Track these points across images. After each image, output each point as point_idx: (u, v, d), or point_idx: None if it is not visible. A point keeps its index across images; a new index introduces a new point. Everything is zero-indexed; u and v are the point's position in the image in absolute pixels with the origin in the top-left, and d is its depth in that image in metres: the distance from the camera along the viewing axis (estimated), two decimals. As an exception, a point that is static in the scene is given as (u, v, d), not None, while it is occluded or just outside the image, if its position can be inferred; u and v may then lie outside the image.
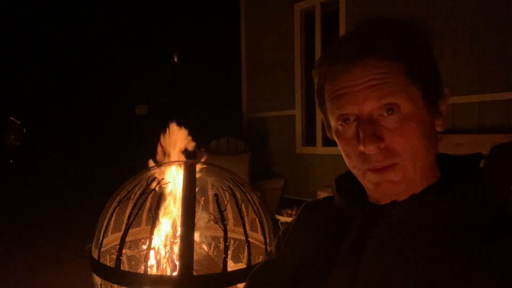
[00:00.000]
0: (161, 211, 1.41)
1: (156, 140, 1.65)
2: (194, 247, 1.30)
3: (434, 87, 0.62)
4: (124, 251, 1.35)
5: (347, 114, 0.61)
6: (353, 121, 0.61)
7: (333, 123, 0.65)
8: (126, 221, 1.38)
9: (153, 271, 1.42)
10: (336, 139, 0.66)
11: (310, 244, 0.71)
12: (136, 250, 1.46)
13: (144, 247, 1.42)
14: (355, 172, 0.65)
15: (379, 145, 0.58)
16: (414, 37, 0.62)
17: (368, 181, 0.63)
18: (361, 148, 0.59)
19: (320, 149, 4.67)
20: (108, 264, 1.40)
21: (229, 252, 1.40)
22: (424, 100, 0.60)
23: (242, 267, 1.40)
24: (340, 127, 0.63)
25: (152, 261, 1.42)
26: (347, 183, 0.72)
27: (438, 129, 0.63)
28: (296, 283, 0.69)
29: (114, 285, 1.37)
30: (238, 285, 1.33)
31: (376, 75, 0.58)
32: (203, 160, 1.67)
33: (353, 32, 0.64)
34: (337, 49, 0.63)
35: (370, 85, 0.58)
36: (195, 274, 1.28)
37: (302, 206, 0.82)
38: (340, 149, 0.65)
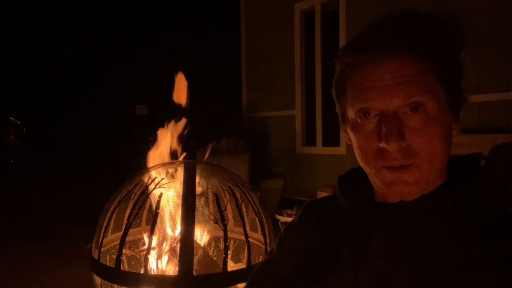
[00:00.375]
0: (161, 211, 1.41)
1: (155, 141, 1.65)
2: (194, 247, 1.30)
3: (458, 90, 0.61)
4: (124, 251, 1.35)
5: (370, 108, 0.59)
6: (375, 116, 0.59)
7: (351, 115, 0.63)
8: (126, 221, 1.38)
9: (153, 271, 1.41)
10: (351, 133, 0.64)
11: (311, 243, 0.71)
12: (136, 250, 1.46)
13: (144, 247, 1.42)
14: (367, 168, 0.63)
15: (401, 142, 0.56)
16: (447, 36, 0.60)
17: (381, 179, 0.61)
18: (382, 144, 0.57)
19: (320, 149, 4.67)
20: (108, 264, 1.40)
21: (229, 252, 1.40)
22: (448, 103, 0.59)
23: (242, 267, 1.40)
24: (359, 120, 0.61)
25: (152, 261, 1.42)
26: (350, 182, 0.71)
27: (455, 133, 0.62)
28: (297, 282, 0.69)
29: (114, 285, 1.37)
30: (238, 285, 1.33)
31: (406, 71, 0.56)
32: (206, 157, 1.67)
33: (385, 22, 0.61)
34: (366, 38, 0.61)
35: (399, 82, 0.56)
36: (195, 274, 1.27)
37: (304, 205, 0.82)
38: (354, 143, 0.63)
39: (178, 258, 1.29)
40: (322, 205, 0.79)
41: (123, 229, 1.37)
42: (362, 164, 0.64)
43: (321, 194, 3.34)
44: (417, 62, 0.57)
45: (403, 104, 0.57)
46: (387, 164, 0.59)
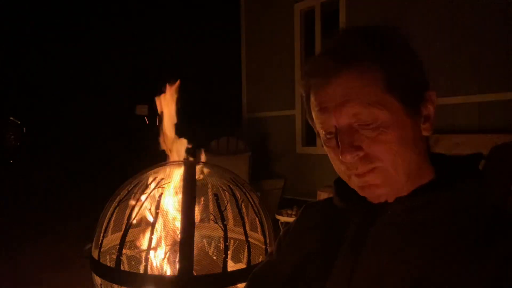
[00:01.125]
0: (161, 211, 1.41)
1: (156, 140, 1.65)
2: (194, 247, 1.30)
3: (415, 93, 0.62)
4: (124, 251, 1.35)
5: (328, 127, 0.63)
6: (335, 132, 0.63)
7: (320, 132, 0.67)
8: (126, 221, 1.38)
9: (153, 271, 1.42)
10: (325, 148, 0.68)
11: (310, 245, 0.72)
12: (136, 250, 1.46)
13: (144, 247, 1.42)
14: (342, 177, 0.67)
15: (357, 154, 0.60)
16: (390, 44, 0.61)
17: (353, 184, 0.65)
18: (340, 158, 0.61)
19: (320, 149, 4.67)
20: (108, 264, 1.40)
21: (229, 252, 1.40)
22: (404, 107, 0.60)
23: (242, 267, 1.40)
24: (326, 137, 0.65)
25: (152, 261, 1.42)
26: (346, 184, 0.72)
27: (425, 133, 0.63)
28: (296, 283, 0.70)
29: (114, 285, 1.37)
30: (238, 285, 1.33)
31: (350, 89, 0.59)
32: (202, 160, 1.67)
33: (329, 46, 0.65)
34: (315, 63, 0.65)
35: (344, 100, 0.60)
36: (195, 274, 1.28)
37: (303, 208, 0.83)
38: (328, 156, 0.68)
39: (178, 258, 1.29)
40: (320, 208, 0.80)
41: (123, 229, 1.37)
42: (339, 174, 0.68)
43: (321, 194, 3.33)
44: (361, 77, 0.59)
45: (352, 119, 0.60)
46: (351, 173, 0.63)
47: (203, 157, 1.69)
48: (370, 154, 0.60)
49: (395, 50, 0.61)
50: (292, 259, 0.73)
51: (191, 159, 1.66)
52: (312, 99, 0.65)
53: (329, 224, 0.72)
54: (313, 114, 0.66)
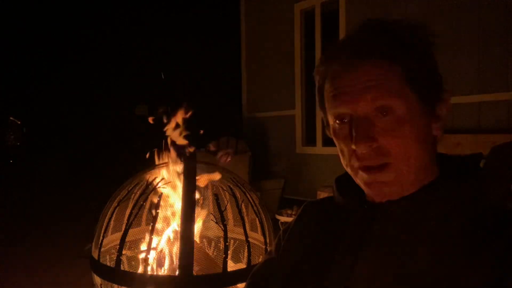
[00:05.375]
0: (161, 211, 1.41)
1: (155, 141, 1.64)
2: (194, 247, 1.30)
3: (432, 91, 0.62)
4: (124, 251, 1.35)
5: (343, 114, 0.62)
6: (348, 121, 0.62)
7: (331, 121, 0.66)
8: (126, 221, 1.38)
9: (153, 271, 1.42)
10: (333, 138, 0.67)
11: (309, 243, 0.72)
12: (136, 251, 1.46)
13: (144, 247, 1.42)
14: (348, 170, 0.66)
15: (371, 144, 0.59)
16: (413, 40, 0.62)
17: (360, 180, 0.64)
18: (353, 146, 0.60)
19: (320, 149, 4.67)
20: (108, 264, 1.40)
21: (229, 252, 1.40)
22: (421, 104, 0.61)
23: (242, 267, 1.40)
24: (336, 126, 0.64)
25: (152, 261, 1.42)
26: (347, 182, 0.72)
27: (436, 133, 0.63)
28: (295, 281, 0.70)
29: (114, 285, 1.37)
30: (238, 285, 1.33)
31: (372, 76, 0.59)
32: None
33: (354, 34, 0.64)
34: (337, 49, 0.65)
35: (365, 87, 0.59)
36: (195, 274, 1.27)
37: (303, 206, 0.83)
38: (337, 147, 0.67)
39: (178, 258, 1.29)
40: (320, 206, 0.80)
41: (123, 229, 1.37)
42: (345, 167, 0.67)
43: (321, 194, 3.34)
44: (384, 66, 0.60)
45: (370, 108, 0.59)
46: (362, 164, 0.61)
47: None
48: (384, 147, 0.59)
49: (418, 46, 0.61)
50: (292, 257, 0.73)
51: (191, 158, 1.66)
52: (328, 85, 0.65)
53: (329, 222, 0.72)
54: (326, 102, 0.66)
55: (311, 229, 0.75)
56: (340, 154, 0.66)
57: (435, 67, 0.63)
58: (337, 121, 0.64)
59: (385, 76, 0.59)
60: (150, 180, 1.50)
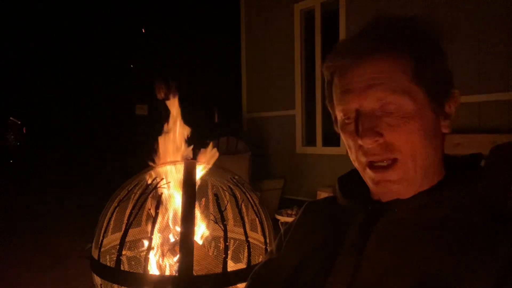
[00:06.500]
0: (161, 211, 1.41)
1: (155, 141, 1.64)
2: (194, 247, 1.30)
3: (441, 88, 0.62)
4: (124, 252, 1.35)
5: (351, 109, 0.62)
6: (356, 116, 0.62)
7: (339, 117, 0.66)
8: (126, 221, 1.38)
9: (153, 271, 1.41)
10: (341, 133, 0.67)
11: (311, 243, 0.72)
12: (136, 251, 1.46)
13: (144, 247, 1.42)
14: (356, 165, 0.66)
15: (377, 139, 0.59)
16: (423, 36, 0.62)
17: (368, 177, 0.64)
18: (359, 141, 0.60)
19: (320, 149, 4.67)
20: (108, 264, 1.40)
21: (229, 252, 1.40)
22: (429, 100, 0.60)
23: (242, 267, 1.40)
24: (345, 121, 0.64)
25: (152, 261, 1.42)
26: (349, 182, 0.72)
27: (444, 130, 0.63)
28: (297, 281, 0.69)
29: (114, 285, 1.37)
30: (238, 285, 1.33)
31: (379, 73, 0.59)
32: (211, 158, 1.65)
33: (363, 29, 0.64)
34: (346, 45, 0.65)
35: (372, 83, 0.59)
36: (195, 274, 1.27)
37: (304, 206, 0.83)
38: (345, 143, 0.67)
39: (178, 258, 1.29)
40: (321, 206, 0.79)
41: (123, 229, 1.37)
42: (353, 162, 0.67)
43: (321, 194, 3.33)
44: (392, 62, 0.60)
45: (376, 104, 0.60)
46: (369, 159, 0.61)
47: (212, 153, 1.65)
48: (390, 142, 0.59)
49: (428, 42, 0.61)
50: (293, 257, 0.73)
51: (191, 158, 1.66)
52: (336, 80, 0.65)
53: (331, 222, 0.71)
54: (335, 97, 0.66)
55: (312, 229, 0.75)
56: (348, 150, 0.66)
57: (445, 63, 0.63)
58: (345, 116, 0.64)
59: (392, 72, 0.59)
60: (150, 180, 1.50)
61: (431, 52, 0.61)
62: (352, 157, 0.66)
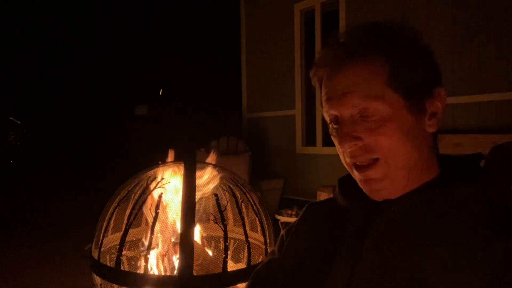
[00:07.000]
0: (161, 211, 1.41)
1: (155, 141, 1.64)
2: (194, 247, 1.30)
3: (421, 88, 0.62)
4: (124, 252, 1.35)
5: (333, 115, 0.66)
6: (337, 121, 0.65)
7: (327, 122, 0.70)
8: (126, 221, 1.38)
9: (153, 271, 1.42)
10: (332, 137, 0.70)
11: (312, 244, 0.72)
12: (136, 251, 1.46)
13: (144, 247, 1.42)
14: (345, 167, 0.69)
15: (356, 143, 0.62)
16: (398, 38, 0.62)
17: (355, 177, 0.66)
18: (339, 146, 0.65)
19: (320, 149, 4.67)
20: (108, 264, 1.40)
21: (229, 252, 1.40)
22: (406, 102, 0.61)
23: (242, 267, 1.40)
24: (332, 126, 0.68)
25: (152, 261, 1.42)
26: (349, 183, 0.72)
27: (429, 129, 0.63)
28: (297, 281, 0.70)
29: (114, 285, 1.37)
30: (238, 285, 1.33)
31: (354, 80, 0.62)
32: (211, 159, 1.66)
33: (339, 38, 0.67)
34: (325, 54, 0.68)
35: (347, 91, 0.62)
36: (195, 274, 1.27)
37: (305, 207, 0.84)
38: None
39: (178, 258, 1.29)
40: (322, 207, 0.80)
41: (123, 229, 1.37)
42: (344, 165, 0.69)
43: (321, 194, 3.33)
44: (365, 70, 0.61)
45: (353, 110, 0.62)
46: (352, 161, 0.65)
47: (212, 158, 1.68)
48: (370, 145, 0.61)
49: (402, 44, 0.62)
50: (294, 258, 0.74)
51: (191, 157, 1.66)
52: (322, 88, 0.68)
53: (331, 223, 0.72)
54: (322, 103, 0.69)
55: (313, 229, 0.75)
56: (338, 152, 0.69)
57: (423, 63, 0.63)
58: (330, 122, 0.67)
59: (366, 78, 0.61)
60: (150, 180, 1.50)
61: (407, 54, 0.62)
62: (341, 159, 0.69)
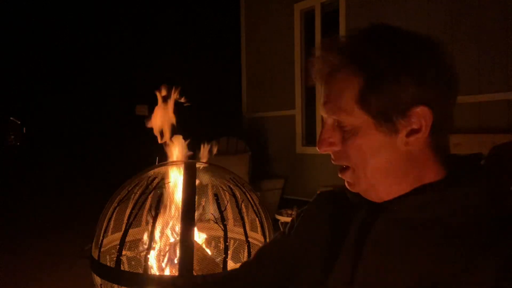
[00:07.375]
0: (161, 211, 1.41)
1: (156, 141, 1.64)
2: (194, 247, 1.30)
3: (392, 109, 0.59)
4: (124, 251, 1.35)
5: (324, 119, 0.70)
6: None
7: None
8: (126, 221, 1.38)
9: (153, 271, 1.41)
10: None
11: (318, 234, 0.75)
12: (136, 251, 1.46)
13: (144, 247, 1.42)
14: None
15: (329, 149, 0.67)
16: (375, 57, 0.59)
17: None
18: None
19: (320, 149, 4.67)
20: (108, 264, 1.40)
21: (229, 252, 1.40)
22: (374, 120, 0.60)
23: (242, 267, 1.40)
24: None
25: (152, 261, 1.42)
26: None
27: (410, 146, 0.60)
28: (299, 270, 0.73)
29: (114, 285, 1.37)
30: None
31: (332, 91, 0.65)
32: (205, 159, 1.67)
33: (323, 48, 0.68)
34: (311, 65, 0.70)
35: (326, 100, 0.66)
36: (195, 274, 1.27)
37: (316, 196, 0.85)
38: None
39: (178, 258, 1.29)
40: (333, 198, 0.80)
41: (123, 229, 1.37)
42: None
43: (321, 194, 3.33)
44: (342, 83, 0.63)
45: (332, 119, 0.66)
46: (334, 163, 0.69)
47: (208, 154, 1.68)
48: (343, 152, 0.65)
49: (379, 63, 0.59)
50: (299, 244, 0.78)
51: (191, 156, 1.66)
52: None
53: (339, 215, 0.73)
54: None
55: (321, 220, 0.77)
56: None
57: (398, 83, 0.58)
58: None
59: (341, 91, 0.63)
60: (150, 180, 1.50)
61: (380, 75, 0.59)
62: None
